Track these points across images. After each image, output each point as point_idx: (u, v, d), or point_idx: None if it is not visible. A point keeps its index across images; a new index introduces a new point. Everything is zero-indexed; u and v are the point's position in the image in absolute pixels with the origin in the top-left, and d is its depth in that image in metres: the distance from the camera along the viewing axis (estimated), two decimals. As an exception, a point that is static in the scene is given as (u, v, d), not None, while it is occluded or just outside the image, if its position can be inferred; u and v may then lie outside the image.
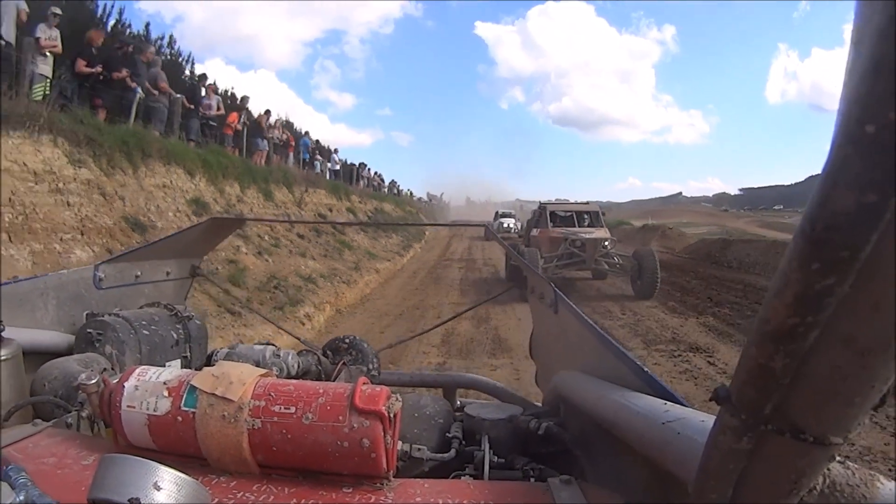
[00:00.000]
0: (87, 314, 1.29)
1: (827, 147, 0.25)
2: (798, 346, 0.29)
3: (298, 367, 1.32)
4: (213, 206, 8.69)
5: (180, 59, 13.71)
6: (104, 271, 1.42)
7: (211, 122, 10.46)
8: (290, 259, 9.64)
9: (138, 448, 0.71)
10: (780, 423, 0.32)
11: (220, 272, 7.15)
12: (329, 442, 0.65)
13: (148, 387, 0.71)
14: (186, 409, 0.69)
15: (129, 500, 0.45)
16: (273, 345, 1.34)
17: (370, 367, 1.44)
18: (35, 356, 1.11)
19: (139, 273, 1.54)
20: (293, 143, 15.26)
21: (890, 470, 3.24)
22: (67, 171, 6.11)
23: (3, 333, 0.98)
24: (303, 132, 18.91)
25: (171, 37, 15.43)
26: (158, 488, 0.47)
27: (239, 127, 11.63)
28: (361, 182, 22.86)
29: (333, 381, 1.35)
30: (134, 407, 0.70)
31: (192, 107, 9.77)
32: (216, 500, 0.62)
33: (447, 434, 0.99)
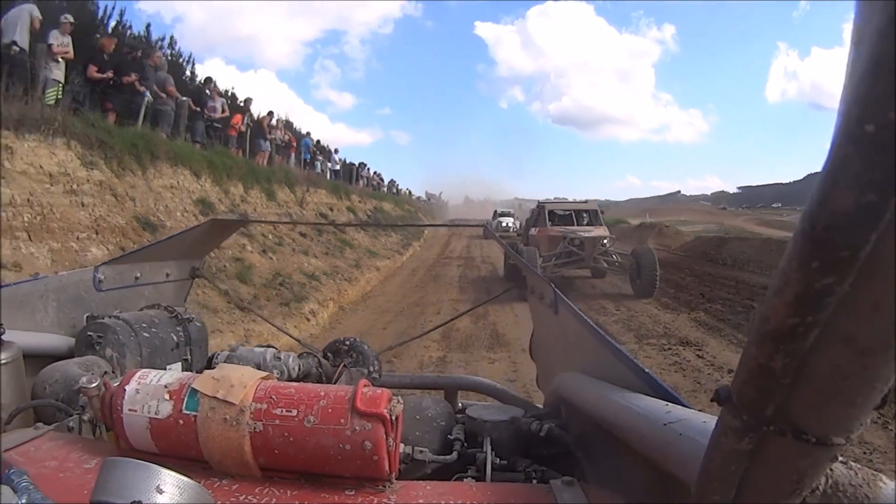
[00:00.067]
0: (87, 316, 1.29)
1: (826, 146, 0.25)
2: (798, 346, 0.29)
3: (299, 369, 1.32)
4: (218, 207, 8.87)
5: (181, 60, 13.77)
6: (104, 273, 1.42)
7: (216, 124, 10.64)
8: (293, 257, 9.82)
9: (140, 451, 0.71)
10: (782, 424, 0.32)
11: (227, 269, 7.38)
12: (331, 445, 0.65)
13: (149, 390, 0.71)
14: (188, 412, 0.69)
15: (131, 504, 0.45)
16: (274, 347, 1.34)
17: (371, 369, 1.44)
18: (35, 359, 1.10)
19: (139, 275, 1.54)
20: (295, 144, 15.45)
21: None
22: (81, 172, 6.33)
23: (3, 336, 0.98)
24: (304, 132, 19.03)
25: (171, 38, 15.52)
26: (161, 491, 0.47)
27: (243, 128, 11.83)
28: (361, 182, 22.97)
29: (334, 383, 1.35)
30: (135, 410, 0.70)
31: (198, 109, 10.02)
32: (218, 503, 0.62)
33: (449, 436, 0.99)
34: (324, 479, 0.68)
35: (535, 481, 0.85)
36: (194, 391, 0.69)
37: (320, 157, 17.80)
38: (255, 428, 0.66)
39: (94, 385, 0.75)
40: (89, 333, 1.19)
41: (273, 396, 0.68)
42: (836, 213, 0.24)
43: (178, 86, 9.75)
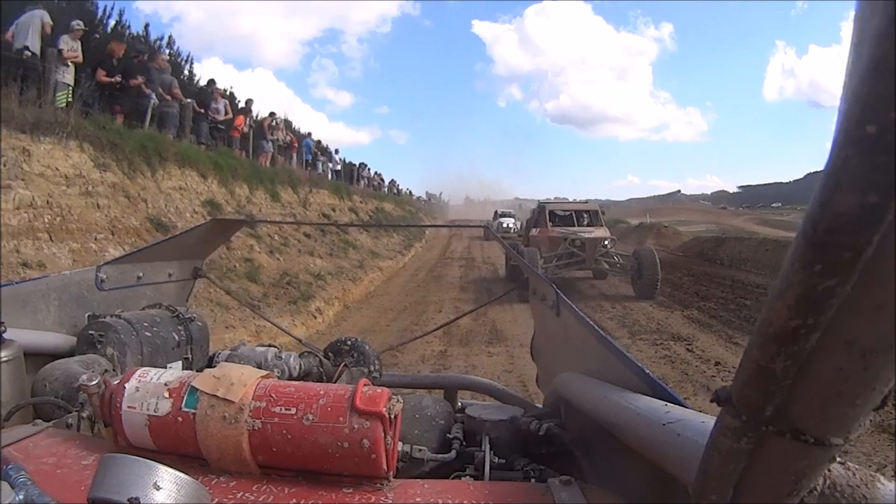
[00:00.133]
0: (88, 316, 1.29)
1: (826, 144, 0.25)
2: (800, 348, 0.29)
3: (300, 368, 1.32)
4: (225, 208, 9.11)
5: (180, 60, 13.81)
6: (106, 273, 1.42)
7: (219, 126, 10.81)
8: (299, 257, 10.07)
9: (138, 448, 0.71)
10: (781, 425, 0.32)
11: (237, 269, 7.67)
12: (329, 443, 0.65)
13: (149, 388, 0.71)
14: (187, 409, 0.69)
15: (128, 500, 0.45)
16: (275, 346, 1.34)
17: (371, 368, 1.44)
18: (36, 357, 1.11)
19: (141, 274, 1.54)
20: (296, 145, 15.60)
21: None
22: (94, 174, 6.56)
23: (4, 334, 0.98)
24: (305, 133, 19.11)
25: (170, 37, 15.58)
26: (158, 488, 0.47)
27: (245, 130, 12.00)
28: (362, 182, 23.05)
29: (335, 382, 1.35)
30: (134, 408, 0.70)
31: (202, 111, 10.22)
32: (216, 500, 0.62)
33: (448, 435, 0.99)
34: (322, 477, 0.68)
35: (533, 480, 0.85)
36: (194, 389, 0.69)
37: (321, 158, 17.91)
38: (253, 426, 0.66)
39: (94, 383, 0.75)
40: (91, 332, 1.19)
41: (272, 395, 0.68)
42: (837, 215, 0.24)
43: (179, 86, 9.87)
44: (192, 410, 0.68)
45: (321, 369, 1.39)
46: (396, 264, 15.48)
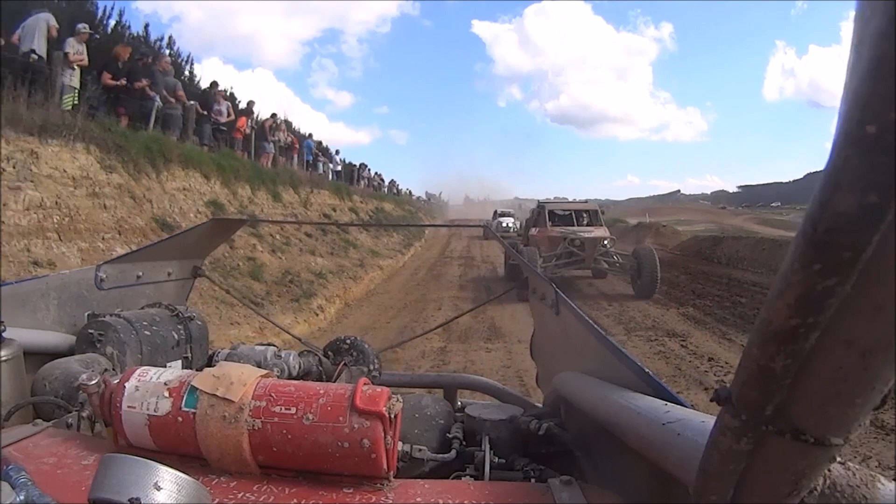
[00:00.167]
0: (88, 315, 1.29)
1: (826, 144, 0.25)
2: (799, 347, 0.29)
3: (299, 367, 1.32)
4: (228, 208, 9.28)
5: (180, 60, 13.81)
6: (105, 272, 1.42)
7: (221, 128, 10.96)
8: (301, 257, 10.24)
9: (138, 448, 0.71)
10: (781, 424, 0.32)
11: (241, 268, 7.87)
12: (329, 442, 0.65)
13: (148, 387, 0.71)
14: (187, 409, 0.69)
15: (129, 500, 0.45)
16: (274, 345, 1.34)
17: (371, 367, 1.44)
18: (36, 357, 1.11)
19: (140, 274, 1.54)
20: (297, 146, 15.73)
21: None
22: (101, 176, 6.72)
23: (4, 334, 0.98)
24: (305, 134, 19.15)
25: (170, 38, 15.59)
26: (159, 488, 0.47)
27: (247, 131, 12.14)
28: (362, 182, 23.10)
29: (335, 381, 1.35)
30: (134, 407, 0.70)
31: (205, 113, 10.38)
32: (216, 500, 0.62)
33: (448, 435, 0.99)
34: (322, 477, 0.68)
35: (533, 480, 0.85)
36: (194, 388, 0.69)
37: (322, 159, 18.00)
38: (253, 425, 0.66)
39: (93, 382, 0.75)
40: (90, 331, 1.19)
41: (272, 394, 0.68)
42: (837, 215, 0.24)
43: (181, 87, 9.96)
44: (192, 410, 0.68)
45: (320, 368, 1.39)
46: (396, 263, 15.63)
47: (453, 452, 0.93)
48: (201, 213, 8.31)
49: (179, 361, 1.32)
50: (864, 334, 0.27)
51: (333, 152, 20.00)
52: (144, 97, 8.45)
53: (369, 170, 25.57)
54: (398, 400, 0.68)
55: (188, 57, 14.41)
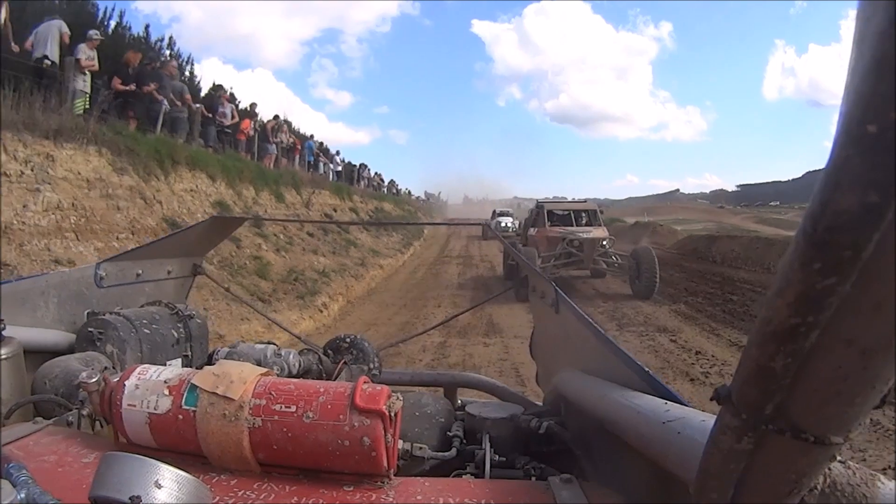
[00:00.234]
0: (88, 313, 1.29)
1: (825, 143, 0.25)
2: (799, 346, 0.29)
3: (299, 366, 1.32)
4: (233, 208, 9.53)
5: (180, 61, 13.83)
6: (105, 270, 1.42)
7: (226, 130, 11.18)
8: (304, 256, 10.47)
9: (138, 446, 0.71)
10: (781, 423, 0.32)
11: (248, 267, 8.12)
12: (330, 441, 0.65)
13: (149, 385, 0.72)
14: (187, 407, 0.69)
15: (130, 499, 0.46)
16: (274, 344, 1.34)
17: (371, 366, 1.44)
18: (36, 355, 1.11)
19: (140, 272, 1.54)
20: (299, 147, 15.96)
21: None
22: (113, 178, 6.97)
23: (3, 332, 0.98)
24: (307, 135, 19.25)
25: (170, 38, 15.62)
26: (159, 486, 0.47)
27: (251, 133, 12.37)
28: (362, 182, 23.19)
29: (334, 380, 1.35)
30: (135, 405, 0.70)
31: (210, 115, 10.64)
32: (217, 498, 0.62)
33: (448, 433, 0.99)
34: (322, 475, 0.68)
35: (533, 478, 0.85)
36: (194, 387, 0.69)
37: (323, 159, 18.15)
38: (253, 424, 0.66)
39: (93, 380, 0.75)
40: (90, 329, 1.19)
41: (272, 392, 0.68)
42: (837, 214, 0.24)
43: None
44: (193, 408, 0.68)
45: (320, 366, 1.39)
46: (396, 262, 15.82)
47: (454, 450, 0.94)
48: (209, 214, 8.51)
49: (179, 359, 1.32)
50: (864, 333, 0.27)
51: (334, 153, 20.14)
52: (153, 101, 8.71)
53: (369, 170, 25.68)
54: (398, 398, 0.68)
55: (188, 57, 14.50)
